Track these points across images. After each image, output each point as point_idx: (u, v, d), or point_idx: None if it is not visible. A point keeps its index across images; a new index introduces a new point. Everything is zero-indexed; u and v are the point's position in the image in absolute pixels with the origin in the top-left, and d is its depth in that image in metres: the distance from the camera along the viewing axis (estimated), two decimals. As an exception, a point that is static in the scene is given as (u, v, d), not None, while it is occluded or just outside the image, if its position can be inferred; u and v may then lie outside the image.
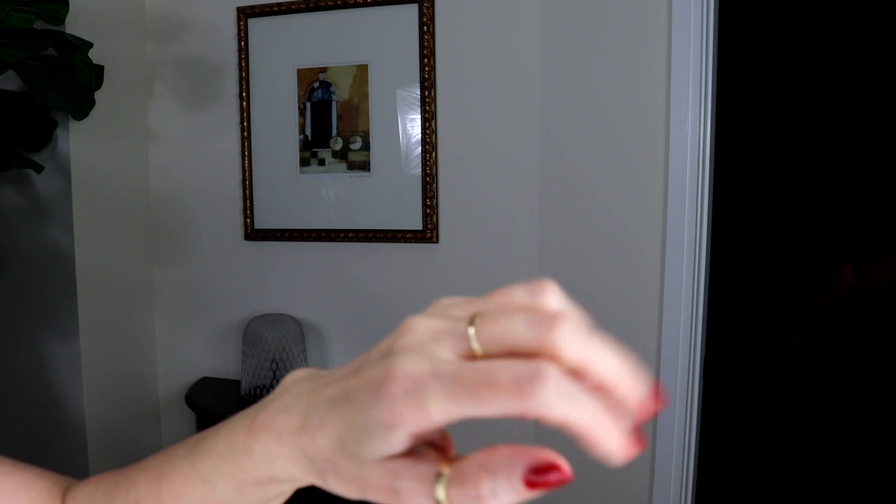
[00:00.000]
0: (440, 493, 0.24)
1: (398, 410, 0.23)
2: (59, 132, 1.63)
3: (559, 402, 0.22)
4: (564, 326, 0.23)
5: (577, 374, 0.23)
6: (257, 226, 1.92)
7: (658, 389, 0.24)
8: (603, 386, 0.24)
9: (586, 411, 0.22)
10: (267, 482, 0.29)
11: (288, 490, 0.31)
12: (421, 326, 0.25)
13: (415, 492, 0.24)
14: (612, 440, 0.23)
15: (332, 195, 1.85)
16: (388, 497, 0.25)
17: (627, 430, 0.23)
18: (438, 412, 0.23)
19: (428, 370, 0.23)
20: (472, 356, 0.24)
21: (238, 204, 1.94)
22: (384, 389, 0.24)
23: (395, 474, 0.25)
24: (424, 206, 1.77)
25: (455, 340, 0.24)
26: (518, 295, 0.26)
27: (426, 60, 1.72)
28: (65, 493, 0.38)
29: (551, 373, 0.22)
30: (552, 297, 0.25)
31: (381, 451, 0.24)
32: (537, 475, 0.22)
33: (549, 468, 0.22)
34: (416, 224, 1.78)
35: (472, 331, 0.24)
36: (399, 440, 0.24)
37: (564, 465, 0.23)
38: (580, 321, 0.24)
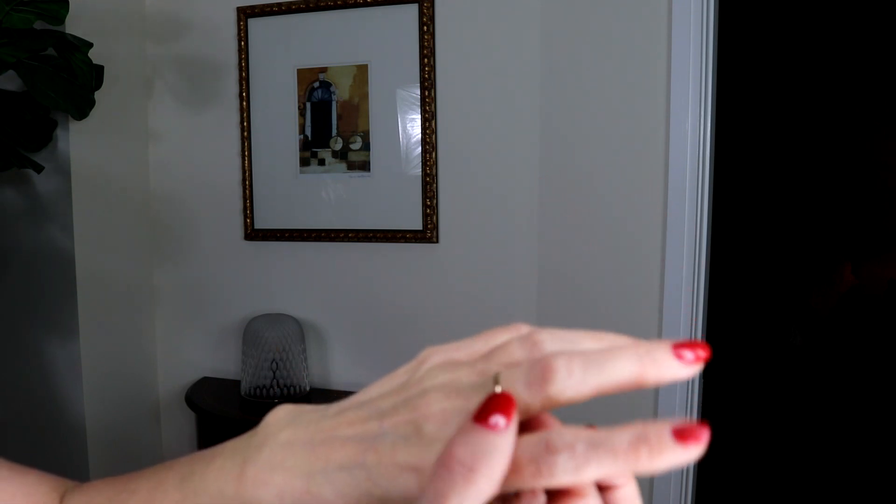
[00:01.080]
0: None
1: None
2: (59, 132, 1.63)
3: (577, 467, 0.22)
4: (554, 384, 0.23)
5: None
6: (257, 226, 1.92)
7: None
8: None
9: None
10: None
11: None
12: (438, 401, 0.25)
13: None
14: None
15: (332, 195, 1.85)
16: None
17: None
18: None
19: None
20: None
21: (238, 204, 1.94)
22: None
23: None
24: (424, 206, 1.77)
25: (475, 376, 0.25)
26: (516, 351, 0.26)
27: (426, 60, 1.72)
28: (62, 498, 0.38)
29: (557, 442, 0.22)
30: (545, 346, 0.26)
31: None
32: None
33: None
34: (416, 224, 1.78)
35: (498, 388, 0.24)
36: None
37: None
38: (571, 363, 0.23)
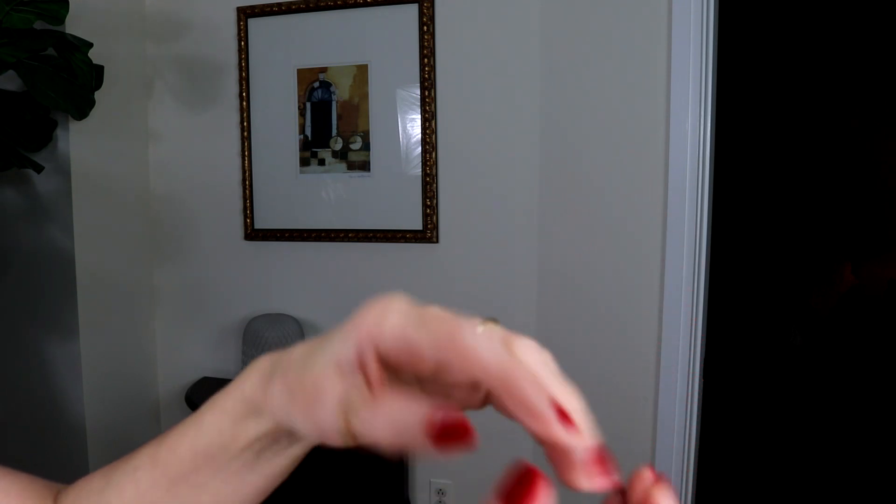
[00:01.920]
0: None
1: (362, 321, 0.25)
2: (59, 132, 1.63)
3: (480, 342, 0.23)
4: (463, 336, 0.23)
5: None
6: (257, 226, 1.92)
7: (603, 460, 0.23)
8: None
9: (507, 361, 0.22)
10: (250, 413, 0.30)
11: (269, 433, 0.30)
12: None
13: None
14: (533, 398, 0.22)
15: (332, 195, 1.85)
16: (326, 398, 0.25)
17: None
18: (391, 324, 0.24)
19: (406, 303, 0.25)
20: None
21: (238, 204, 1.94)
22: (359, 310, 0.25)
23: (349, 404, 0.25)
24: (424, 206, 1.77)
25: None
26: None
27: (426, 60, 1.72)
28: (57, 495, 0.38)
29: (489, 330, 0.23)
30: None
31: (336, 348, 0.25)
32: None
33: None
34: (416, 224, 1.78)
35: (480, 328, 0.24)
36: (350, 343, 0.25)
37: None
38: (493, 333, 0.24)
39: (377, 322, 0.24)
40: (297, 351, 0.28)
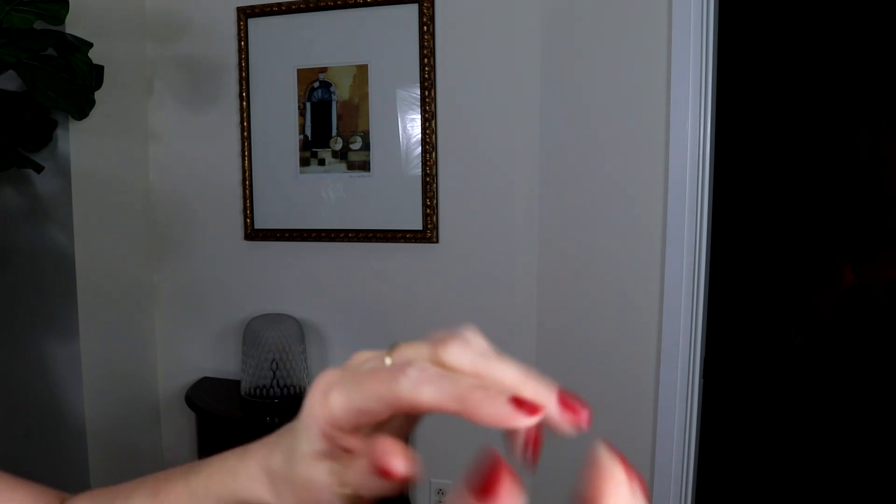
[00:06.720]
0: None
1: (313, 410, 0.28)
2: (59, 132, 1.63)
3: (418, 386, 0.24)
4: (453, 346, 0.26)
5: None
6: (257, 226, 1.92)
7: (572, 403, 0.25)
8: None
9: (450, 388, 0.24)
10: (242, 502, 0.31)
11: None
12: (356, 358, 0.29)
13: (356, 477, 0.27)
14: (489, 406, 0.23)
15: (332, 195, 1.85)
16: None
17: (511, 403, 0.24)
18: (337, 403, 0.27)
19: (338, 376, 0.28)
20: None
21: (238, 204, 1.94)
22: (306, 399, 0.28)
23: (337, 472, 0.27)
24: (424, 206, 1.77)
25: (374, 363, 0.28)
26: (423, 348, 0.28)
27: (426, 60, 1.72)
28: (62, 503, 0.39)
29: (416, 364, 0.26)
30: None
31: (306, 447, 0.28)
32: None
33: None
34: (416, 224, 1.78)
35: (388, 360, 0.28)
36: (315, 435, 0.27)
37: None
38: (474, 346, 0.27)
39: (324, 406, 0.27)
40: (278, 457, 0.30)
